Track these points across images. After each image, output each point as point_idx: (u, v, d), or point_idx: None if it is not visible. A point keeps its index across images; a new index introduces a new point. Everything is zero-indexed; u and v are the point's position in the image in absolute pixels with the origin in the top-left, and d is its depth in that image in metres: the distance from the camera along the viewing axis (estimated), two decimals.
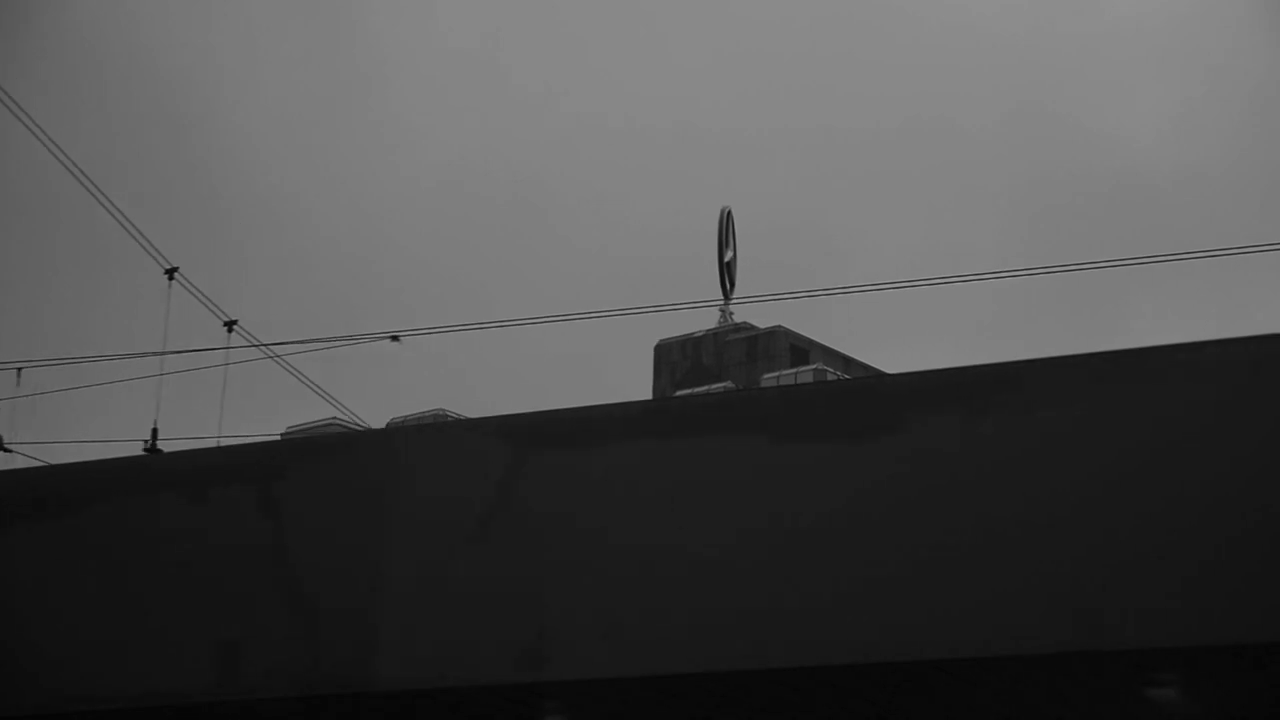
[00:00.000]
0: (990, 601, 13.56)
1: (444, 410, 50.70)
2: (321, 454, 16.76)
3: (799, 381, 45.11)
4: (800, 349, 52.17)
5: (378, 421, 42.60)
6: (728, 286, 51.46)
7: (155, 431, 25.75)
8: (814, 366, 50.37)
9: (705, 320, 53.88)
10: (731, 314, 53.53)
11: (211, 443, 24.01)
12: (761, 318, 53.60)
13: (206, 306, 25.49)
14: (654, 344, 53.58)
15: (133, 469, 18.18)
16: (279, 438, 38.02)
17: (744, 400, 20.57)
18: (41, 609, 16.41)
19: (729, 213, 52.24)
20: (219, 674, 15.69)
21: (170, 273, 25.80)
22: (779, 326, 52.15)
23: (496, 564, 14.82)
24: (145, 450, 25.99)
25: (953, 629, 13.62)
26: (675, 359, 53.32)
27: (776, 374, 49.64)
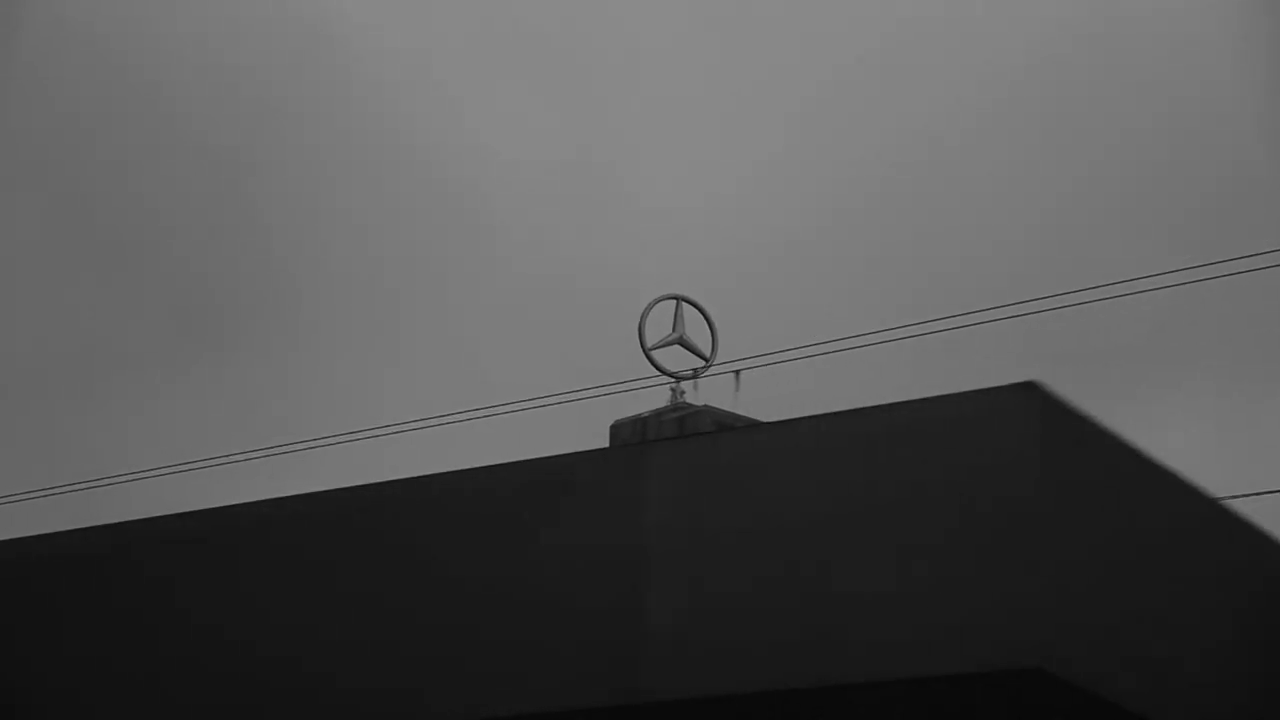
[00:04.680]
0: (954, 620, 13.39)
1: None
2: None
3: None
4: (726, 426, 53.72)
5: None
6: (663, 368, 53.42)
7: None
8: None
9: (663, 398, 55.92)
10: (683, 392, 55.43)
11: None
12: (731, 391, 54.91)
13: None
14: (610, 422, 56.10)
15: None
16: None
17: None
18: None
19: (679, 300, 53.98)
20: None
21: None
22: (706, 406, 53.94)
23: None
24: None
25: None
26: (626, 436, 55.94)
27: None
